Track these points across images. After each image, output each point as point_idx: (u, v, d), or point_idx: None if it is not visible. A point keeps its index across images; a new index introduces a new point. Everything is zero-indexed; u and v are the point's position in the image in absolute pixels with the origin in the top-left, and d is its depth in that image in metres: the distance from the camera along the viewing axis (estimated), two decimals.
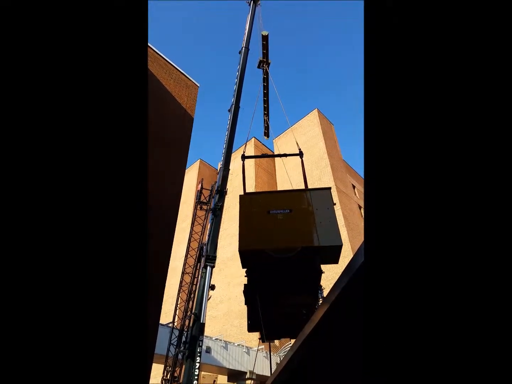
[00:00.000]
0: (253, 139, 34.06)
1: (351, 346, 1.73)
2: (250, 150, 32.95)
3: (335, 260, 4.17)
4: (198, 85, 11.07)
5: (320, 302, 4.18)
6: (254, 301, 4.62)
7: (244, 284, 4.60)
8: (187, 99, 9.64)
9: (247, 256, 4.12)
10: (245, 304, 4.83)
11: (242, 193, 5.18)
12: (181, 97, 9.45)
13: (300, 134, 32.27)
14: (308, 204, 4.25)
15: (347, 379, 1.92)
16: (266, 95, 9.95)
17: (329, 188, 4.51)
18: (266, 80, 10.06)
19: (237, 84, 10.16)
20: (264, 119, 9.68)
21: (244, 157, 6.27)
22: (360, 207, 28.59)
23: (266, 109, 9.79)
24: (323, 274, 4.47)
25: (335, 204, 4.38)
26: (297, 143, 7.48)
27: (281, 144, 32.21)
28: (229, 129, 9.94)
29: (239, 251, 4.05)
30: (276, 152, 34.67)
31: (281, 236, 4.00)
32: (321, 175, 27.38)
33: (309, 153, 29.65)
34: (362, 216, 27.59)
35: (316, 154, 29.07)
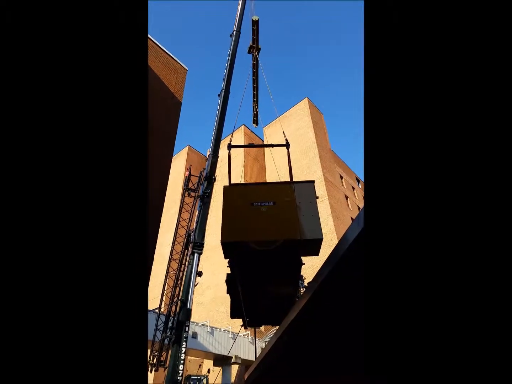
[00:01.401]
0: (242, 126, 33.75)
1: (335, 331, 1.76)
2: (239, 138, 32.68)
3: (315, 252, 4.24)
4: (187, 68, 10.78)
5: (302, 291, 4.25)
6: (236, 290, 4.69)
7: (227, 274, 4.64)
8: (175, 83, 9.38)
9: (229, 247, 4.14)
10: (227, 294, 4.91)
11: (228, 183, 5.19)
12: (169, 81, 9.19)
13: (290, 123, 32.13)
14: (291, 197, 4.27)
15: (333, 363, 1.95)
16: (255, 81, 9.78)
17: (313, 182, 4.53)
18: (255, 66, 9.90)
19: (227, 69, 9.96)
20: (253, 106, 9.56)
21: (230, 147, 6.17)
22: (346, 197, 28.95)
23: (255, 96, 9.65)
24: (308, 263, 4.51)
25: (317, 197, 4.41)
26: (284, 133, 7.42)
27: (271, 132, 32.04)
28: (219, 115, 9.79)
29: (221, 242, 4.07)
30: (265, 141, 34.49)
31: (264, 228, 4.01)
32: (309, 165, 27.47)
33: (298, 143, 29.62)
34: (348, 206, 27.97)
35: (305, 143, 29.08)
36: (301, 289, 4.39)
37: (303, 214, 4.08)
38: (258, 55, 9.77)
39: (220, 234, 4.09)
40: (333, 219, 23.27)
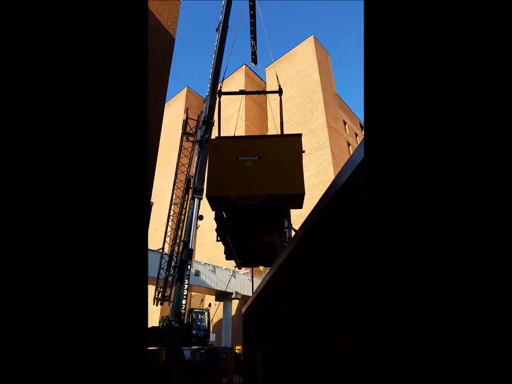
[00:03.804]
0: (244, 66, 31.91)
1: (328, 272, 1.80)
2: (240, 78, 31.13)
3: (299, 206, 4.38)
4: (180, 0, 9.78)
5: (293, 234, 4.42)
6: (226, 238, 4.94)
7: (217, 224, 4.85)
8: (167, 16, 8.52)
9: (214, 201, 4.24)
10: (217, 241, 5.19)
11: (224, 129, 5.15)
12: (161, 13, 8.32)
13: (294, 62, 30.27)
14: (277, 151, 4.26)
15: (323, 300, 2.02)
16: (252, 16, 8.91)
17: (300, 135, 4.45)
18: None
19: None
20: (251, 44, 8.81)
21: (220, 94, 5.86)
22: (349, 144, 28.51)
23: (253, 32, 8.84)
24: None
25: (304, 151, 4.40)
26: (277, 79, 6.99)
27: (274, 73, 30.40)
28: (216, 51, 9.15)
29: (206, 196, 4.19)
30: (267, 82, 32.92)
31: (248, 183, 4.08)
32: (313, 109, 26.53)
33: (302, 85, 28.24)
34: (350, 153, 27.68)
35: (310, 86, 27.73)
36: (287, 237, 4.59)
37: (287, 169, 4.14)
38: None
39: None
40: (334, 167, 23.20)
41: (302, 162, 4.20)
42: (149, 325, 13.42)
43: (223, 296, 19.13)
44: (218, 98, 5.91)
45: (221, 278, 18.99)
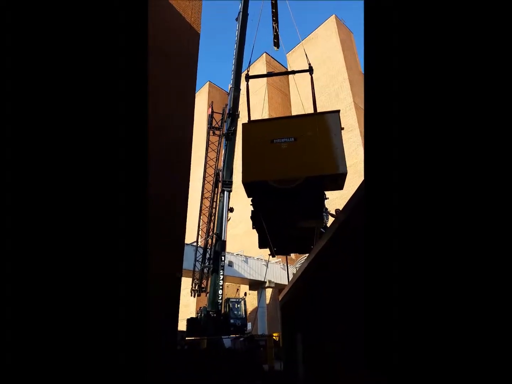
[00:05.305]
0: (264, 54, 31.47)
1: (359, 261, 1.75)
2: (261, 67, 30.74)
3: (340, 187, 4.11)
4: None
5: (329, 222, 4.30)
6: (261, 225, 4.86)
7: (251, 211, 4.76)
8: (191, 13, 8.47)
9: (251, 187, 4.13)
10: (253, 229, 5.10)
11: (247, 119, 5.04)
12: (185, 10, 8.28)
13: (316, 45, 29.38)
14: (314, 130, 3.99)
15: (355, 289, 1.98)
16: None
17: (338, 111, 4.17)
18: None
19: None
20: (273, 27, 8.58)
21: (248, 77, 5.73)
22: None
23: (275, 14, 8.59)
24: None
25: (343, 128, 4.12)
26: (306, 56, 6.74)
27: (295, 58, 29.69)
28: (237, 41, 9.06)
29: (242, 182, 4.08)
30: (289, 68, 32.27)
31: (284, 166, 3.89)
32: (338, 91, 25.69)
33: (326, 67, 27.38)
34: None
35: (334, 67, 26.83)
36: (325, 222, 4.42)
37: (326, 148, 3.89)
38: None
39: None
40: (364, 149, 22.45)
41: (342, 140, 3.97)
42: (188, 316, 13.91)
43: (256, 285, 19.39)
44: (246, 83, 5.79)
45: (253, 267, 19.23)
